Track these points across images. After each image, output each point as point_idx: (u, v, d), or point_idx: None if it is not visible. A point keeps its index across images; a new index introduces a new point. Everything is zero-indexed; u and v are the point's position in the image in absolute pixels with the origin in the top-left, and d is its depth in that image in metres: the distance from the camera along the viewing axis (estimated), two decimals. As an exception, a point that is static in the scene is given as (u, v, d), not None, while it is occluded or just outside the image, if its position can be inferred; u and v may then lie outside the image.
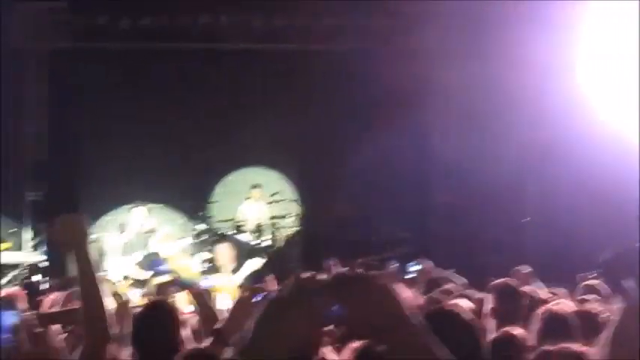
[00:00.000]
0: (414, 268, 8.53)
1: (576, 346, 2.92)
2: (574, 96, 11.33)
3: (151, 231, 12.62)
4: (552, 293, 6.32)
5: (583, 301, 5.47)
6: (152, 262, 4.62)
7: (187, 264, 3.71)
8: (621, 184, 10.66)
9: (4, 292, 7.63)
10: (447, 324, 2.21)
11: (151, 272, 4.69)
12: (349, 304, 1.54)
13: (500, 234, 13.05)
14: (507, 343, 3.20)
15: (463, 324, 2.25)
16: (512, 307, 4.83)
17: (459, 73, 13.50)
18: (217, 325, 3.38)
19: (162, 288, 4.53)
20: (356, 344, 3.61)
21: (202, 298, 3.81)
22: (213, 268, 11.09)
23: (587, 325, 4.25)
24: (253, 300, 3.25)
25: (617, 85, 11.15)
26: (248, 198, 14.01)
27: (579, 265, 8.94)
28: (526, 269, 7.21)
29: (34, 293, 6.49)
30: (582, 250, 10.15)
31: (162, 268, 4.41)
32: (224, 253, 11.11)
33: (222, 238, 13.49)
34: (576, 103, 11.30)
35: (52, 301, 5.09)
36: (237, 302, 3.40)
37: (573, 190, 11.74)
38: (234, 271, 7.02)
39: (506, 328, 3.83)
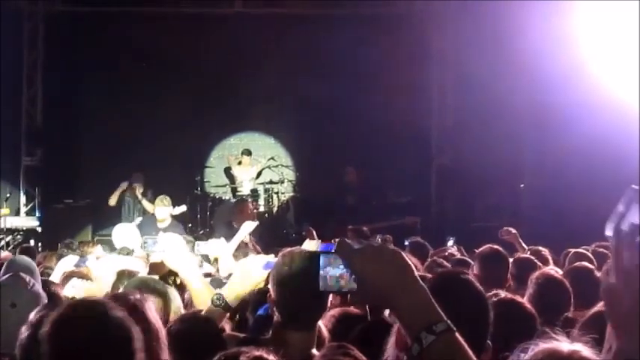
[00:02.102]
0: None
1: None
2: (572, 61, 11.28)
3: (147, 195, 12.62)
4: (536, 250, 6.34)
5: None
6: (148, 240, 4.58)
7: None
8: (617, 149, 10.65)
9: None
10: (459, 290, 2.23)
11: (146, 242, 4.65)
12: (362, 269, 1.58)
13: (497, 199, 13.10)
14: (510, 307, 3.19)
15: (475, 291, 2.25)
16: (496, 273, 4.85)
17: (456, 37, 13.44)
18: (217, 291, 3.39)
19: (155, 268, 4.49)
20: (334, 311, 3.64)
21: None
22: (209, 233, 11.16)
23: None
24: (264, 268, 3.24)
25: (616, 50, 11.10)
26: (239, 163, 14.02)
27: (574, 231, 9.00)
28: (512, 230, 7.24)
29: (31, 258, 6.50)
30: (577, 217, 10.18)
31: (156, 247, 4.36)
32: (221, 217, 11.14)
33: (219, 202, 13.54)
34: (575, 68, 11.25)
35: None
36: (239, 269, 3.39)
37: (570, 156, 11.73)
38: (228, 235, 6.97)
39: (507, 294, 3.83)
